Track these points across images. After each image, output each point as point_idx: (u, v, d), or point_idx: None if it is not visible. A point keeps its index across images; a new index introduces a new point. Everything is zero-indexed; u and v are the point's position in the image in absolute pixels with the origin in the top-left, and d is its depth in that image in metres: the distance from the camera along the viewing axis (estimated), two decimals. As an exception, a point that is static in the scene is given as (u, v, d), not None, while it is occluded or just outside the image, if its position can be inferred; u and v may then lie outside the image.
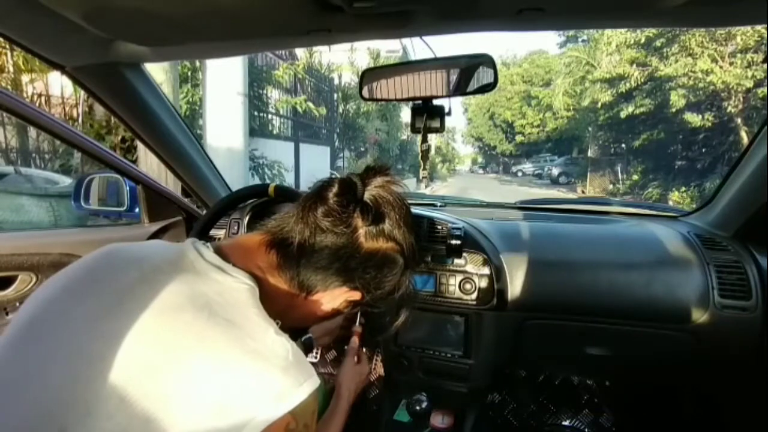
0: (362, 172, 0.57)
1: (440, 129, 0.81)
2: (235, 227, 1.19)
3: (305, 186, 0.67)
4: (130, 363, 0.42)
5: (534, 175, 23.97)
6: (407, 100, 0.81)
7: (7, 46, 3.96)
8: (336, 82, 10.04)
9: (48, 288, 0.50)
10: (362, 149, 11.23)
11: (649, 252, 0.99)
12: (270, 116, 7.44)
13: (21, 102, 0.98)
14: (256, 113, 6.74)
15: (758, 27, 6.60)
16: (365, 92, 0.84)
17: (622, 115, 11.05)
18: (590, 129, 15.31)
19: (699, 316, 0.91)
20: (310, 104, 7.64)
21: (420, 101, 0.80)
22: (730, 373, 1.02)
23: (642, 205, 3.86)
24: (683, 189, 9.42)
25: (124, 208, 1.27)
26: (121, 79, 0.89)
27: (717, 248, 0.95)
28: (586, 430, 1.30)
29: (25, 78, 4.47)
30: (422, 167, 0.88)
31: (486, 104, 30.17)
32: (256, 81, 6.75)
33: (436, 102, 0.80)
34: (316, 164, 8.59)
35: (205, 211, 1.24)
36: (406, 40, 12.34)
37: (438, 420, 1.08)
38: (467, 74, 0.77)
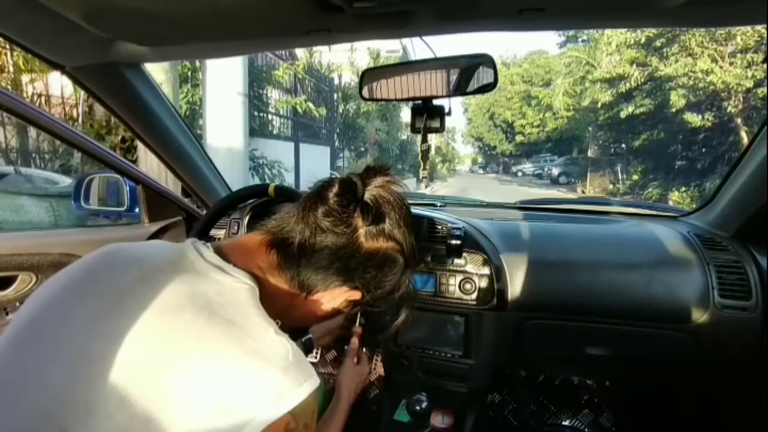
0: (362, 172, 0.58)
1: (440, 129, 0.81)
2: (235, 227, 1.19)
3: (305, 186, 0.67)
4: (131, 363, 0.42)
5: (534, 175, 23.98)
6: (407, 100, 0.81)
7: (7, 46, 3.96)
8: (336, 82, 10.04)
9: (48, 288, 0.50)
10: (362, 149, 11.23)
11: (649, 252, 0.99)
12: (270, 116, 7.44)
13: (21, 102, 0.98)
14: (256, 113, 6.74)
15: (758, 27, 6.59)
16: (365, 92, 0.84)
17: (622, 115, 11.05)
18: (590, 129, 15.31)
19: (699, 316, 0.91)
20: (310, 104, 7.64)
21: (420, 101, 0.80)
22: (730, 373, 1.02)
23: (642, 205, 3.86)
24: (683, 189, 9.42)
25: (124, 208, 1.27)
26: (121, 79, 0.89)
27: (717, 248, 0.95)
28: (586, 430, 1.30)
29: (25, 78, 4.47)
30: (422, 167, 0.88)
31: (486, 104, 30.17)
32: (256, 81, 6.75)
33: (436, 102, 0.80)
34: (316, 164, 8.59)
35: (205, 211, 1.24)
36: (406, 40, 12.35)
37: (438, 420, 1.08)
38: (467, 74, 0.77)
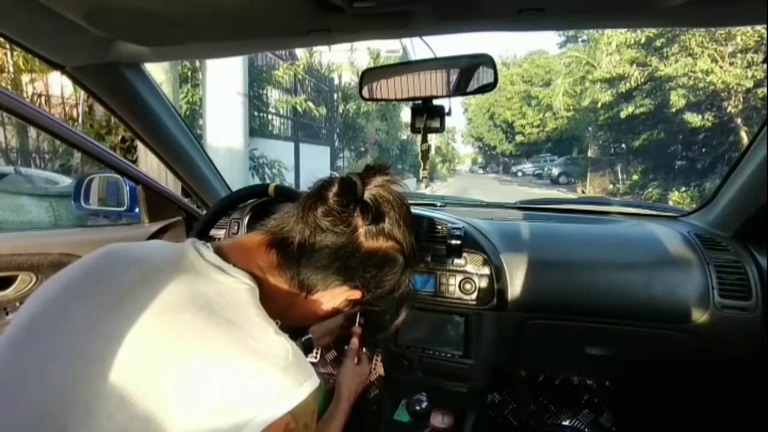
0: (362, 171, 0.58)
1: (440, 129, 0.81)
2: (235, 227, 1.19)
3: (305, 186, 0.67)
4: (131, 363, 0.42)
5: (534, 175, 23.98)
6: (407, 100, 0.81)
7: (7, 46, 3.96)
8: (336, 82, 10.03)
9: (48, 288, 0.50)
10: (362, 149, 11.23)
11: (649, 252, 0.99)
12: (270, 116, 7.44)
13: (21, 102, 0.98)
14: (256, 113, 6.74)
15: (758, 27, 6.59)
16: (365, 92, 0.84)
17: (622, 115, 11.05)
18: (590, 129, 15.31)
19: (699, 316, 0.91)
20: (310, 104, 7.64)
21: (420, 101, 0.80)
22: (730, 373, 1.02)
23: (642, 205, 3.86)
24: (683, 189, 9.42)
25: (124, 208, 1.27)
26: (121, 79, 0.89)
27: (717, 248, 0.95)
28: (586, 430, 1.30)
29: (25, 78, 4.47)
30: (422, 167, 0.88)
31: (486, 104, 30.17)
32: (256, 81, 6.75)
33: (436, 102, 0.80)
34: (316, 164, 8.59)
35: (205, 211, 1.24)
36: (406, 40, 12.35)
37: (438, 420, 1.08)
38: (467, 74, 0.77)
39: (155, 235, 1.29)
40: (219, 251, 0.55)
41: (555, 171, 19.45)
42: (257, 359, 0.44)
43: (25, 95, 4.38)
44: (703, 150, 10.00)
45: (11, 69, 4.25)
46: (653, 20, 0.85)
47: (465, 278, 0.99)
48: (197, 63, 5.15)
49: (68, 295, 0.48)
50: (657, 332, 0.96)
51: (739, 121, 8.57)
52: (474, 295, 0.98)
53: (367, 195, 0.56)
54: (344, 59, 10.58)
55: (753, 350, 0.91)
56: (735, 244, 0.95)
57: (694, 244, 0.97)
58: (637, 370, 1.14)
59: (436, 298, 1.01)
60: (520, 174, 26.52)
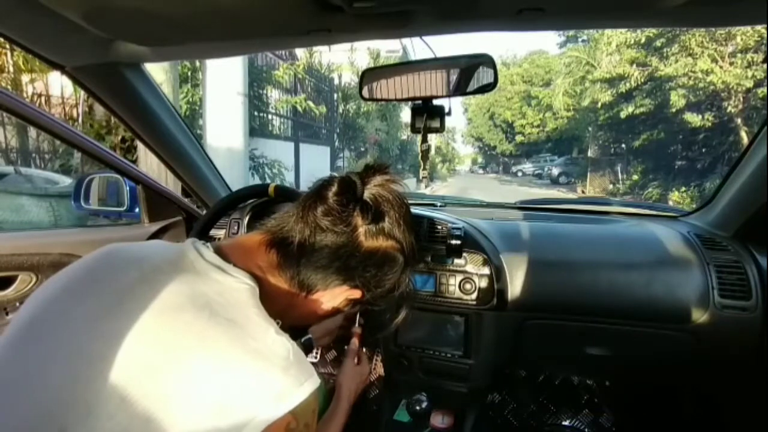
0: (362, 170, 0.58)
1: (440, 129, 0.81)
2: (235, 227, 1.19)
3: (305, 186, 0.67)
4: (131, 363, 0.42)
5: (534, 175, 23.98)
6: (407, 100, 0.81)
7: (7, 46, 3.96)
8: (336, 82, 10.03)
9: (48, 288, 0.50)
10: (362, 149, 11.23)
11: (649, 252, 0.99)
12: (270, 116, 7.44)
13: (21, 102, 0.98)
14: (256, 113, 6.74)
15: (758, 27, 6.60)
16: (365, 92, 0.84)
17: (622, 115, 11.05)
18: (590, 129, 15.31)
19: (699, 316, 0.91)
20: (310, 103, 7.65)
21: (420, 101, 0.80)
22: (730, 373, 1.02)
23: (642, 205, 3.86)
24: (683, 189, 9.42)
25: (124, 208, 1.27)
26: (121, 79, 0.89)
27: (717, 248, 0.95)
28: (586, 430, 1.30)
29: (25, 78, 4.47)
30: (422, 167, 0.88)
31: (486, 104, 30.17)
32: (256, 81, 6.75)
33: (436, 102, 0.80)
34: (316, 164, 8.59)
35: (205, 211, 1.24)
36: (406, 40, 12.35)
37: (438, 420, 1.08)
38: (467, 74, 0.77)
39: (155, 235, 1.29)
40: (219, 251, 0.55)
41: (555, 171, 19.45)
42: (257, 359, 0.44)
43: (25, 95, 4.38)
44: (703, 150, 10.01)
45: (11, 69, 4.25)
46: (653, 20, 0.85)
47: (465, 278, 0.99)
48: (197, 63, 5.16)
49: (68, 295, 0.48)
50: (657, 332, 0.96)
51: (739, 121, 8.57)
52: (474, 295, 0.98)
53: (367, 194, 0.56)
54: (344, 59, 10.58)
55: (753, 350, 0.91)
56: (735, 244, 0.95)
57: (694, 244, 0.97)
58: (637, 370, 1.14)
59: (436, 298, 1.01)
60: (520, 174, 26.52)
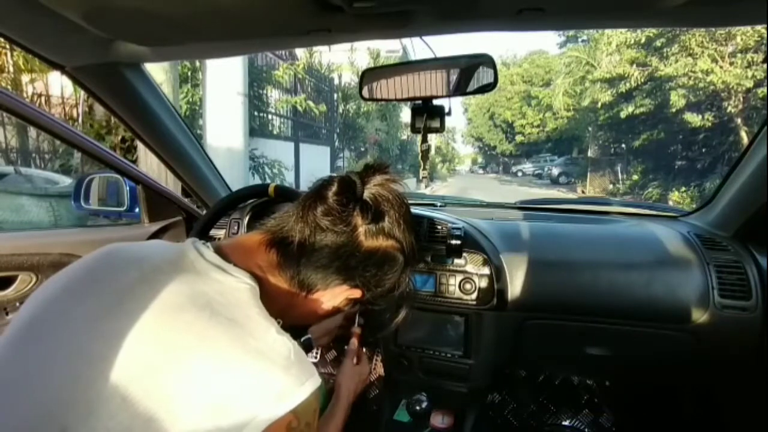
0: (361, 170, 0.58)
1: (440, 129, 0.81)
2: (235, 227, 1.19)
3: (305, 186, 0.67)
4: (131, 363, 0.42)
5: (534, 175, 23.98)
6: (407, 100, 0.81)
7: (7, 46, 3.96)
8: (336, 82, 10.04)
9: (48, 288, 0.50)
10: (362, 149, 11.23)
11: (649, 252, 0.99)
12: (270, 116, 7.44)
13: (21, 102, 0.98)
14: (256, 113, 6.75)
15: (758, 27, 6.60)
16: (365, 92, 0.84)
17: (622, 115, 11.05)
18: (590, 129, 15.31)
19: (699, 316, 0.91)
20: (311, 103, 7.65)
21: (420, 101, 0.80)
22: (730, 373, 1.02)
23: (642, 205, 3.86)
24: (683, 189, 9.42)
25: (124, 208, 1.27)
26: (121, 79, 0.89)
27: (717, 248, 0.95)
28: (586, 430, 1.30)
29: (25, 78, 4.47)
30: (422, 167, 0.88)
31: (486, 104, 30.18)
32: (256, 81, 6.75)
33: (436, 102, 0.80)
34: (316, 164, 8.59)
35: (205, 211, 1.24)
36: (406, 40, 12.35)
37: (438, 420, 1.08)
38: (467, 74, 0.77)
39: (155, 235, 1.29)
40: (219, 251, 0.55)
41: (555, 171, 19.45)
42: (258, 358, 0.44)
43: (25, 95, 4.38)
44: (703, 150, 10.01)
45: (11, 69, 4.25)
46: (653, 20, 0.85)
47: (465, 278, 0.99)
48: (197, 63, 5.16)
49: (68, 295, 0.48)
50: (657, 332, 0.96)
51: (739, 121, 8.57)
52: (474, 295, 0.98)
53: (367, 194, 0.56)
54: (344, 59, 10.58)
55: (753, 350, 0.91)
56: (735, 244, 0.95)
57: (694, 244, 0.97)
58: (637, 370, 1.14)
59: (436, 298, 1.01)
60: (520, 174, 26.52)
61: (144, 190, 1.28)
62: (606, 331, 0.98)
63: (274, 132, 7.55)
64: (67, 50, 0.78)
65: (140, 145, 3.13)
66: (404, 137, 13.44)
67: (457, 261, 1.00)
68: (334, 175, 0.56)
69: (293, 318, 0.60)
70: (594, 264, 0.99)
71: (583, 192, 14.48)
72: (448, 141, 30.94)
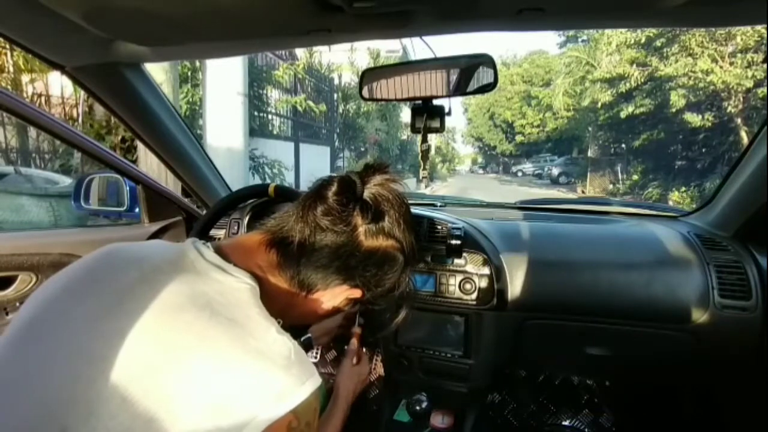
0: (361, 170, 0.58)
1: (440, 129, 0.81)
2: (235, 227, 1.19)
3: (305, 186, 0.67)
4: (132, 363, 0.42)
5: (534, 175, 23.98)
6: (407, 100, 0.81)
7: (7, 46, 3.96)
8: (336, 82, 10.03)
9: (48, 288, 0.50)
10: (362, 149, 11.23)
11: (649, 252, 0.99)
12: (270, 116, 7.44)
13: (21, 102, 0.98)
14: (256, 113, 6.74)
15: (758, 27, 6.60)
16: (365, 92, 0.84)
17: (622, 115, 11.05)
18: (590, 129, 15.32)
19: (699, 316, 0.91)
20: (311, 103, 7.65)
21: (420, 101, 0.80)
22: (730, 373, 1.02)
23: (642, 205, 3.86)
24: (683, 189, 9.42)
25: (124, 208, 1.27)
26: (121, 79, 0.89)
27: (717, 248, 0.95)
28: (586, 430, 1.30)
29: (25, 78, 4.47)
30: (422, 167, 0.88)
31: (486, 104, 30.18)
32: (256, 81, 6.75)
33: (436, 102, 0.80)
34: (316, 164, 8.59)
35: (205, 211, 1.24)
36: (406, 40, 12.35)
37: (438, 420, 1.08)
38: (467, 74, 0.77)
39: (155, 235, 1.29)
40: (219, 251, 0.55)
41: (555, 171, 19.45)
42: (258, 358, 0.44)
43: (25, 95, 4.38)
44: (703, 150, 10.01)
45: (11, 69, 4.25)
46: (653, 20, 0.85)
47: (465, 278, 0.99)
48: (197, 63, 5.16)
49: (68, 295, 0.48)
50: (657, 332, 0.96)
51: (739, 121, 8.57)
52: (474, 295, 0.98)
53: (367, 194, 0.56)
54: (344, 59, 10.58)
55: (753, 350, 0.91)
56: (735, 244, 0.95)
57: (694, 244, 0.97)
58: (637, 370, 1.14)
59: (436, 298, 1.01)
60: (520, 174, 26.52)
61: (144, 190, 1.28)
62: (606, 331, 0.98)
63: (274, 132, 7.55)
64: (67, 50, 0.78)
65: (140, 145, 3.13)
66: (404, 137, 13.44)
67: (457, 261, 1.00)
68: (334, 175, 0.56)
69: (293, 318, 0.60)
70: (594, 264, 0.99)
71: (583, 192, 14.48)
72: (448, 141, 30.94)
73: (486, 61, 0.76)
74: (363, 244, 0.56)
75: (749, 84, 8.13)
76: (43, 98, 4.55)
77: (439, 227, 1.02)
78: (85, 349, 0.43)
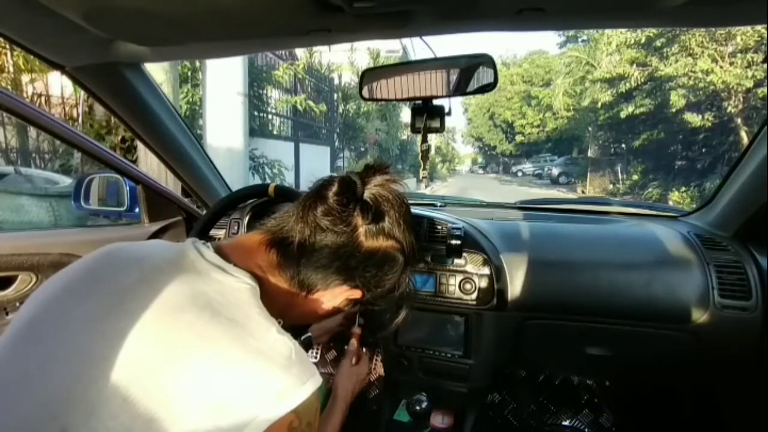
0: (362, 170, 0.58)
1: (440, 129, 0.81)
2: (235, 227, 1.19)
3: (305, 186, 0.67)
4: (132, 363, 0.42)
5: (534, 175, 23.98)
6: (407, 100, 0.81)
7: (7, 46, 3.96)
8: (336, 82, 10.03)
9: (48, 288, 0.50)
10: (362, 149, 11.23)
11: (649, 252, 0.99)
12: (270, 116, 7.44)
13: (21, 102, 0.98)
14: (256, 113, 6.74)
15: (758, 27, 6.60)
16: (365, 92, 0.84)
17: (622, 115, 11.05)
18: (590, 129, 15.31)
19: (699, 316, 0.91)
20: (311, 103, 7.65)
21: (420, 101, 0.80)
22: (730, 373, 1.02)
23: (642, 205, 3.86)
24: (683, 189, 9.42)
25: (124, 208, 1.27)
26: (121, 79, 0.89)
27: (717, 248, 0.95)
28: (586, 430, 1.30)
29: (25, 78, 4.47)
30: (422, 167, 0.88)
31: (486, 104, 30.18)
32: (256, 81, 6.75)
33: (436, 102, 0.80)
34: (316, 164, 8.59)
35: (205, 211, 1.24)
36: (406, 40, 12.35)
37: (438, 420, 1.08)
38: (467, 74, 0.77)
39: (155, 235, 1.29)
40: (219, 251, 0.55)
41: (555, 171, 19.45)
42: (259, 358, 0.44)
43: (25, 95, 4.38)
44: (703, 150, 10.01)
45: (11, 69, 4.25)
46: (653, 20, 0.85)
47: (465, 278, 0.99)
48: (197, 63, 5.16)
49: (68, 295, 0.48)
50: (657, 332, 0.96)
51: (739, 121, 8.57)
52: (474, 295, 0.98)
53: (367, 194, 0.56)
54: (344, 59, 10.58)
55: (753, 350, 0.91)
56: (735, 244, 0.95)
57: (694, 244, 0.97)
58: (637, 370, 1.14)
59: (436, 298, 1.01)
60: (520, 174, 26.52)
61: (144, 190, 1.28)
62: (606, 331, 0.98)
63: (274, 132, 7.55)
64: (67, 50, 0.78)
65: (140, 145, 3.13)
66: (404, 137, 13.44)
67: (457, 261, 1.00)
68: (335, 175, 0.56)
69: (293, 318, 0.60)
70: (594, 264, 0.99)
71: (583, 192, 14.48)
72: (448, 141, 30.95)
73: (486, 61, 0.76)
74: (363, 244, 0.56)
75: (749, 84, 8.13)
76: (43, 98, 4.55)
77: (439, 227, 1.02)
78: (86, 349, 0.43)
